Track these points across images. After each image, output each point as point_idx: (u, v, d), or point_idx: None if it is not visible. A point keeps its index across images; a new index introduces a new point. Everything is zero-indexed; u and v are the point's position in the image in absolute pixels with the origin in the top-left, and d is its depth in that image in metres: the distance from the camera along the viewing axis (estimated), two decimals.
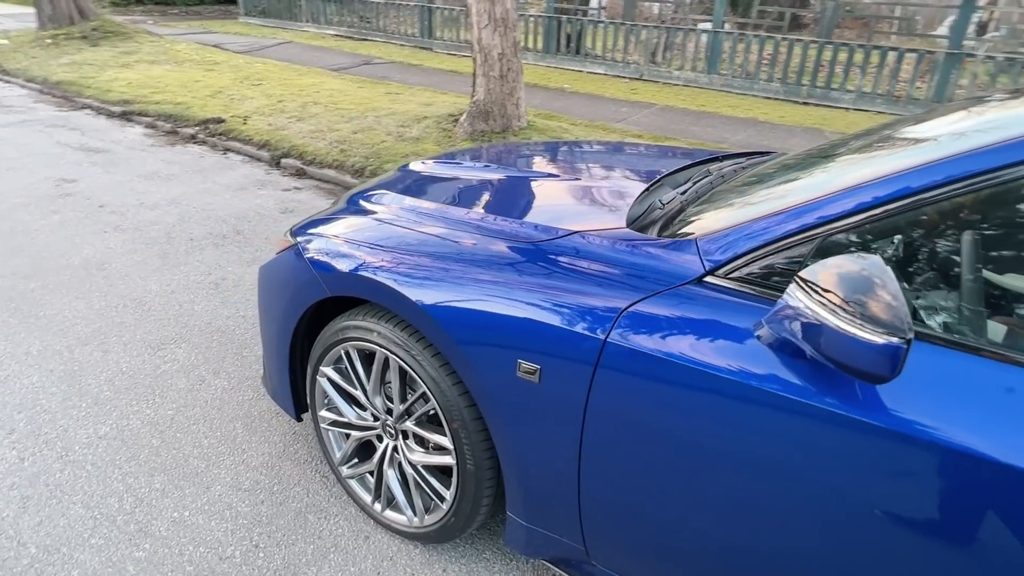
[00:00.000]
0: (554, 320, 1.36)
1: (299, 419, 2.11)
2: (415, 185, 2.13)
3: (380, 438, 1.87)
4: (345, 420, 1.91)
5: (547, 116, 6.88)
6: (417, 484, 1.79)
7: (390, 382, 1.74)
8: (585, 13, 10.87)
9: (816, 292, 0.99)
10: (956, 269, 1.10)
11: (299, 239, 1.87)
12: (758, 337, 1.15)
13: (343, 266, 1.69)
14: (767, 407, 1.12)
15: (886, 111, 8.38)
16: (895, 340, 0.89)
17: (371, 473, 1.92)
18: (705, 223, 1.40)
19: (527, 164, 2.36)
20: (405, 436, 1.79)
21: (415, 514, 1.82)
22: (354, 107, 6.88)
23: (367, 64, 10.09)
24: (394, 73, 9.36)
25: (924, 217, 1.11)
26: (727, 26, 9.56)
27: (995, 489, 0.94)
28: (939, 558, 1.00)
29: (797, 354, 1.10)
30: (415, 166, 2.38)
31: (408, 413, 1.74)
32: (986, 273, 1.08)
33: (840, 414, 1.03)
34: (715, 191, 1.70)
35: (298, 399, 2.06)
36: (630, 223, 1.53)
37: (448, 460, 1.66)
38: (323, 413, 1.95)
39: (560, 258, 1.44)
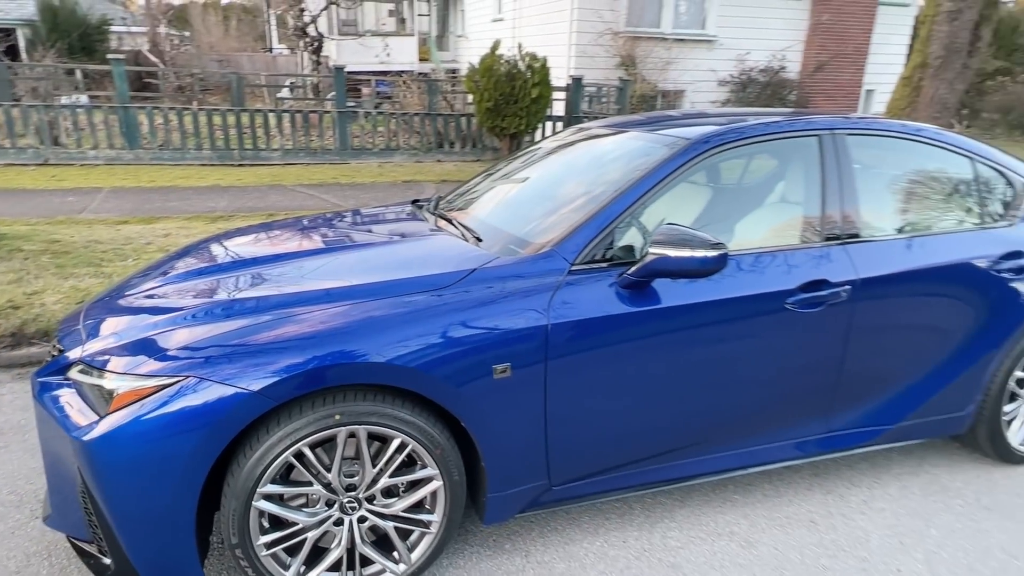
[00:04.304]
0: (509, 325, 1.91)
1: None
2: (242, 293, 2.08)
3: (339, 522, 1.91)
4: (296, 528, 1.85)
5: None
6: (399, 530, 1.96)
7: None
8: None
9: (668, 247, 1.94)
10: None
11: (194, 373, 1.68)
12: (621, 285, 2.04)
13: (287, 367, 1.71)
14: (647, 318, 2.04)
15: (310, 161, 9.89)
16: (721, 250, 1.93)
17: (336, 565, 1.93)
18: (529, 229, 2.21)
19: (307, 244, 2.53)
20: (370, 500, 1.93)
21: (400, 560, 1.98)
22: None
23: None
24: None
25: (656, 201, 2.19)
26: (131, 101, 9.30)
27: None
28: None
29: (644, 285, 2.04)
30: (151, 284, 2.20)
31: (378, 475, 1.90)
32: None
33: (694, 303, 2.06)
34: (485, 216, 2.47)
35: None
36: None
37: (435, 484, 1.94)
38: (262, 540, 1.82)
39: (485, 287, 1.96)
